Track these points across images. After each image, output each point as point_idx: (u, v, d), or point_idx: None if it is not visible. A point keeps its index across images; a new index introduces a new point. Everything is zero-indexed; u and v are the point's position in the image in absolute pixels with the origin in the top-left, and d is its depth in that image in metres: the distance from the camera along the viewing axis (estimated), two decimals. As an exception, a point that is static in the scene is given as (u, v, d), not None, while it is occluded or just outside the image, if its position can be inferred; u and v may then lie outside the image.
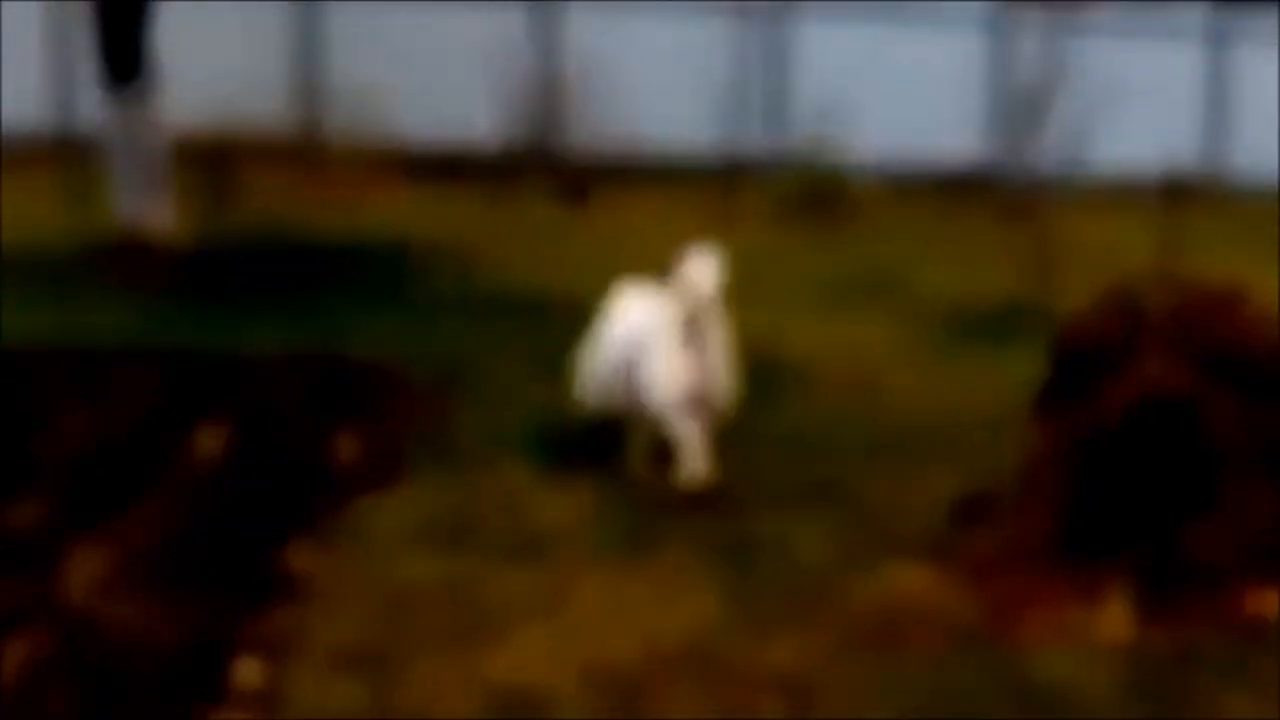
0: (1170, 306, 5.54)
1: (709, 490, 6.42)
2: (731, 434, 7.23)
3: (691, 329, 6.46)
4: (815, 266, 11.83)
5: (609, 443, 6.84)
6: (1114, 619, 5.07)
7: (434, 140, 16.11)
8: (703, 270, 6.50)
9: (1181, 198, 5.63)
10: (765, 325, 9.50)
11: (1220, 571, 5.05)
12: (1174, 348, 5.41)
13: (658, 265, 11.65)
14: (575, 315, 9.78)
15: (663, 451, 6.58)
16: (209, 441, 7.05)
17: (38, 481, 6.23)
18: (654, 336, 6.54)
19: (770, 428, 7.48)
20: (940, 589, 5.40)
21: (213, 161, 13.68)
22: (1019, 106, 15.90)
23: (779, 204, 14.54)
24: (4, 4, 16.02)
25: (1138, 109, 15.99)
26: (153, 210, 11.38)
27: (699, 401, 6.48)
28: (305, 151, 15.32)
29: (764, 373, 8.42)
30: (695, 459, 6.45)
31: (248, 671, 4.70)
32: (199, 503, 6.20)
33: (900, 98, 16.73)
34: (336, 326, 9.38)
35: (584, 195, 14.46)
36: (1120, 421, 5.25)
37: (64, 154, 15.17)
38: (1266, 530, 5.07)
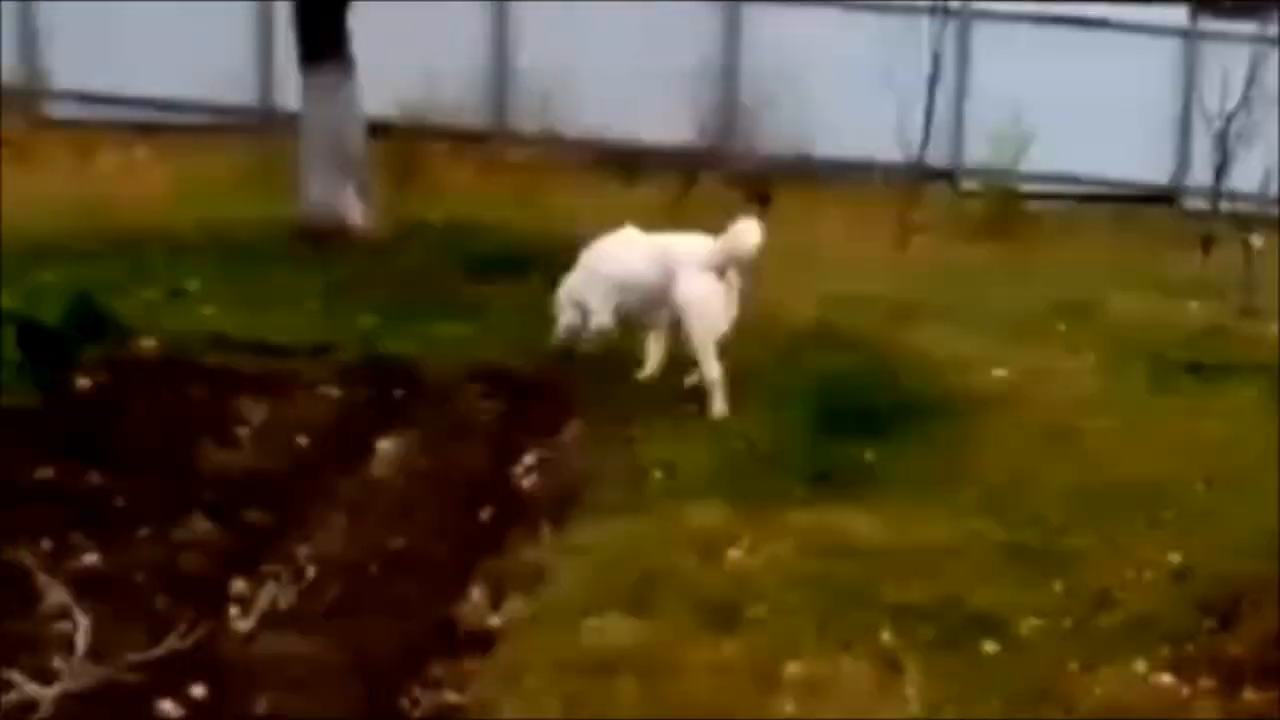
0: None
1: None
2: (923, 478, 6.42)
3: (728, 276, 7.33)
4: (1000, 287, 10.79)
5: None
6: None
7: (619, 136, 15.37)
8: (749, 232, 7.33)
9: None
10: (950, 349, 8.63)
11: None
12: None
13: (834, 271, 10.96)
14: (762, 327, 9.02)
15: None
16: (387, 457, 6.40)
17: (208, 496, 5.58)
18: (692, 277, 7.33)
19: (964, 475, 6.54)
20: (1187, 697, 4.49)
21: (402, 150, 13.13)
22: (1214, 127, 14.54)
23: (961, 218, 13.54)
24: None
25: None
26: (342, 196, 10.76)
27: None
28: (493, 143, 14.70)
29: (950, 406, 7.54)
30: (721, 401, 7.22)
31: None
32: (375, 529, 5.51)
33: (1082, 112, 15.49)
34: (512, 330, 8.65)
35: (765, 199, 13.60)
36: None
37: (264, 133, 14.73)
38: None
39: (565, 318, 7.86)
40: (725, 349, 7.37)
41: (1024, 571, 5.46)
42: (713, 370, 7.27)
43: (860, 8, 16.46)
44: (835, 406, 7.18)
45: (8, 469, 5.57)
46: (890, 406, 7.17)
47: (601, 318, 7.75)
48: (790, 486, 6.24)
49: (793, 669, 4.51)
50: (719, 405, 7.24)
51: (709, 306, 7.32)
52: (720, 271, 7.37)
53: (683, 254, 7.50)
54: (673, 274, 7.43)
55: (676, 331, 7.56)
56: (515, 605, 4.93)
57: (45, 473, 5.58)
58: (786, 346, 8.56)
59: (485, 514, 5.81)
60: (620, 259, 7.79)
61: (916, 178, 14.17)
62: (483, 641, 4.67)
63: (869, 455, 6.64)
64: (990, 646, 4.82)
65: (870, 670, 4.56)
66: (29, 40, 15.87)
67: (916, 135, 14.28)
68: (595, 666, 4.43)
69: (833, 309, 9.50)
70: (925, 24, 14.87)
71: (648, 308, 7.67)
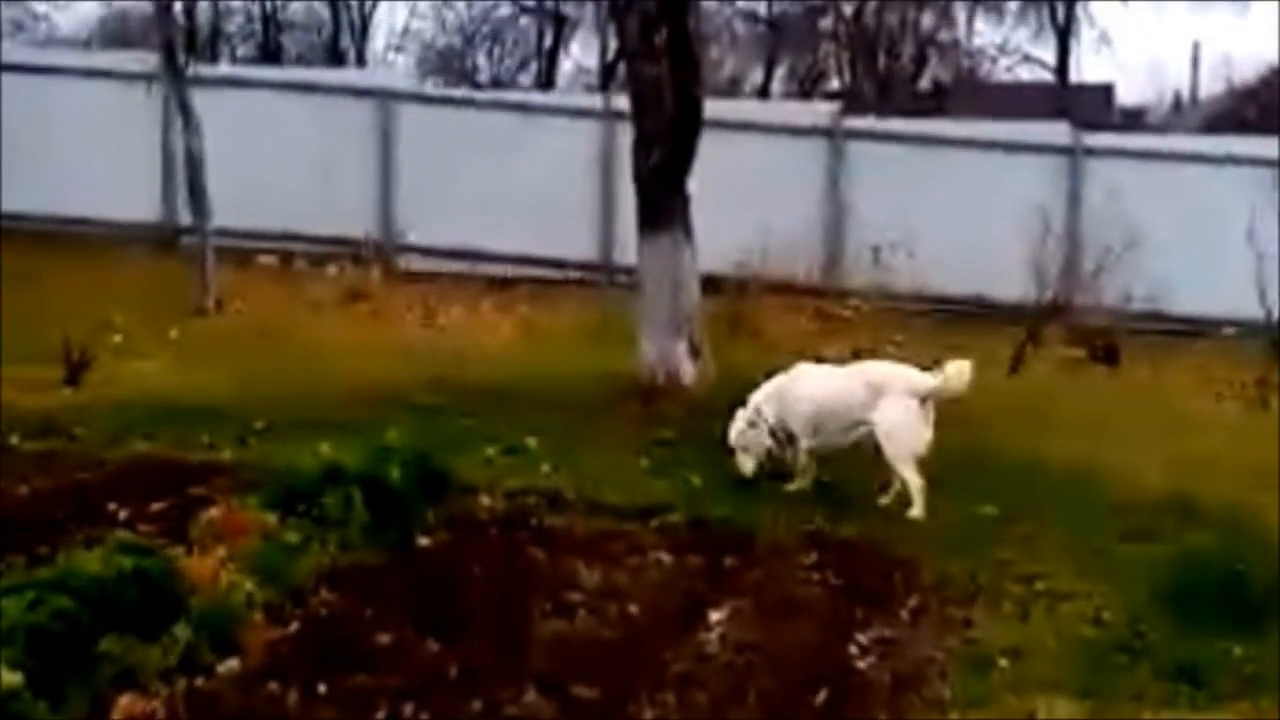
0: None
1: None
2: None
3: (927, 405, 8.02)
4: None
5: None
6: None
7: (951, 292, 15.04)
8: (964, 373, 8.01)
9: None
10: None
11: None
12: None
13: (1187, 433, 10.26)
14: (1111, 494, 8.47)
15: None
16: (719, 629, 6.18)
17: (540, 667, 5.47)
18: (892, 406, 8.02)
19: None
20: None
21: (734, 304, 13.15)
22: None
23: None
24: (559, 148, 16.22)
25: None
26: (674, 353, 10.77)
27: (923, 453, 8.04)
28: (825, 298, 14.57)
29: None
30: (920, 498, 7.92)
31: None
32: (705, 711, 5.27)
33: None
34: (850, 494, 8.38)
35: (1111, 355, 12.99)
36: None
37: (604, 288, 15.03)
38: None
39: (759, 446, 8.35)
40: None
41: None
42: (916, 479, 7.93)
43: (1204, 159, 15.78)
44: (1197, 589, 6.60)
45: (350, 633, 5.61)
46: (1261, 593, 6.53)
47: (805, 443, 8.30)
48: (1148, 682, 5.73)
49: None
50: (919, 509, 7.89)
51: (913, 429, 7.96)
52: (923, 400, 7.99)
53: (890, 378, 8.17)
54: (877, 396, 8.05)
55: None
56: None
57: (384, 638, 5.58)
58: (1138, 517, 8.03)
59: (820, 698, 5.49)
60: (823, 385, 8.39)
61: (1275, 334, 13.27)
62: None
63: (1237, 650, 6.04)
64: None
65: None
66: (385, 198, 16.71)
67: (1273, 289, 13.44)
68: None
69: (1188, 476, 8.88)
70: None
71: (840, 431, 8.22)
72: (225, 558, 5.53)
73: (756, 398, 8.48)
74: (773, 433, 8.35)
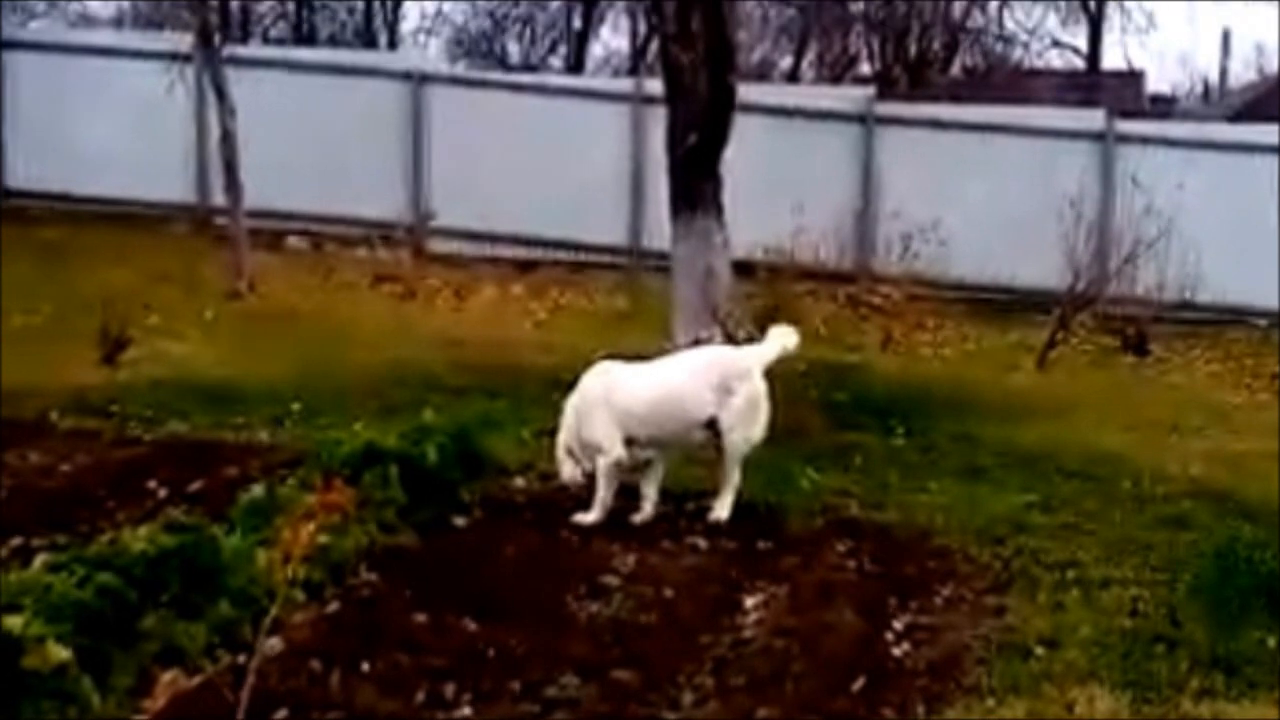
0: None
1: None
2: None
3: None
4: None
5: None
6: None
7: (983, 279, 14.99)
8: (789, 335, 7.68)
9: None
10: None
11: None
12: None
13: (1218, 425, 10.22)
14: (1146, 480, 8.46)
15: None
16: (755, 614, 6.19)
17: (578, 650, 5.49)
18: (754, 382, 7.42)
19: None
20: None
21: (766, 290, 13.10)
22: None
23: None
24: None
25: None
26: (708, 338, 10.74)
27: None
28: (857, 284, 14.54)
29: None
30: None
31: None
32: (743, 696, 5.28)
33: None
34: (884, 481, 8.39)
35: (1142, 346, 12.93)
36: None
37: (633, 271, 15.02)
38: None
39: (567, 470, 7.31)
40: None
41: None
42: (737, 477, 7.39)
43: (1236, 148, 15.68)
44: (1232, 581, 6.56)
45: (389, 613, 5.64)
46: (1295, 585, 6.49)
47: (615, 453, 7.19)
48: (1186, 672, 5.70)
49: None
50: (727, 510, 7.33)
51: (762, 411, 7.44)
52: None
53: (737, 362, 7.52)
54: (726, 385, 7.35)
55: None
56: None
57: (420, 619, 5.61)
58: (1170, 509, 8.01)
59: (857, 685, 5.49)
60: (645, 384, 7.39)
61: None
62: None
63: (1272, 640, 6.01)
64: None
65: None
66: (416, 180, 16.73)
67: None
68: None
69: (1222, 467, 8.86)
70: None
71: (672, 433, 7.34)
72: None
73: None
74: (570, 452, 7.27)
